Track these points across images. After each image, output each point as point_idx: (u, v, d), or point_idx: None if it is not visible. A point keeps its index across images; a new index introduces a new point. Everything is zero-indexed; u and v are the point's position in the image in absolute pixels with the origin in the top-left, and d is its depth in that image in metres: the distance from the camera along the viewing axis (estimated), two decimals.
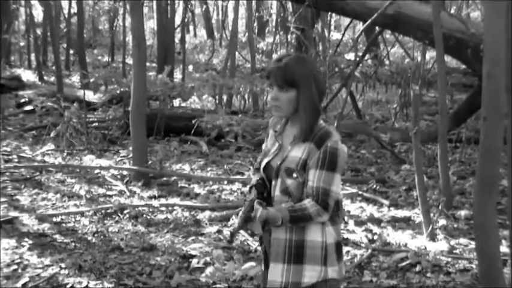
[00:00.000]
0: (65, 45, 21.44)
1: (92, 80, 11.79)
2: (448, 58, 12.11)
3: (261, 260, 2.90)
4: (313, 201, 2.57)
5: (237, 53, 15.98)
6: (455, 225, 6.02)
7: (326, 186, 2.57)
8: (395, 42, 14.30)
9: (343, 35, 13.38)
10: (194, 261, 5.03)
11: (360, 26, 15.65)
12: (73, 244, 5.49)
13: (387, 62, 15.84)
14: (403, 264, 5.09)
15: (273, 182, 2.71)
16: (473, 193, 3.95)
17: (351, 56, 15.16)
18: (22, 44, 22.41)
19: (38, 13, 23.27)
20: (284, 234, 2.65)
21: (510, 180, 4.10)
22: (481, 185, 3.63)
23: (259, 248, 5.43)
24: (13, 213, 6.22)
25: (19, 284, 4.53)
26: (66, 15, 21.60)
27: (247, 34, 18.48)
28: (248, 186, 2.90)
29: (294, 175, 2.63)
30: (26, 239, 5.53)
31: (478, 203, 3.67)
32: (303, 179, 2.62)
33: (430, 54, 14.80)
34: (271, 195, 2.71)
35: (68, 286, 4.56)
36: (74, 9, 21.45)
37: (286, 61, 2.63)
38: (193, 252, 5.26)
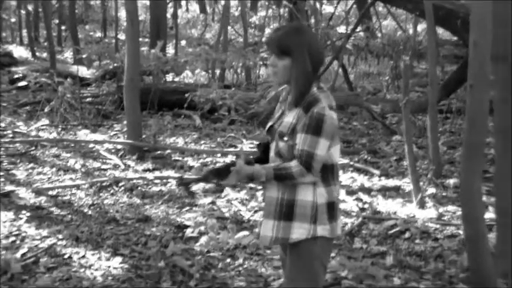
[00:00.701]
0: (56, 21, 21.35)
1: (85, 56, 11.81)
2: (440, 30, 12.19)
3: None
4: (297, 162, 2.73)
5: (229, 27, 15.98)
6: (444, 194, 6.15)
7: (310, 150, 2.71)
8: (388, 14, 14.35)
9: (336, 8, 13.43)
10: (188, 230, 5.15)
11: None
12: (69, 216, 5.60)
13: (379, 35, 15.86)
14: (393, 231, 5.22)
15: (271, 145, 2.91)
16: (460, 160, 4.06)
17: (343, 29, 15.17)
18: (13, 20, 22.28)
19: None
20: (276, 193, 2.82)
21: (496, 148, 4.22)
22: (467, 152, 3.74)
23: (252, 218, 5.56)
24: (10, 187, 6.32)
25: (18, 255, 4.64)
26: None
27: (239, 8, 18.43)
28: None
29: (285, 138, 2.80)
30: (24, 212, 5.63)
31: (465, 170, 3.78)
32: (293, 142, 2.78)
33: (422, 26, 14.83)
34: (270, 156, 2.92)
35: (66, 256, 4.67)
36: None
37: (283, 31, 2.83)
38: (187, 223, 5.38)
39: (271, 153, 2.89)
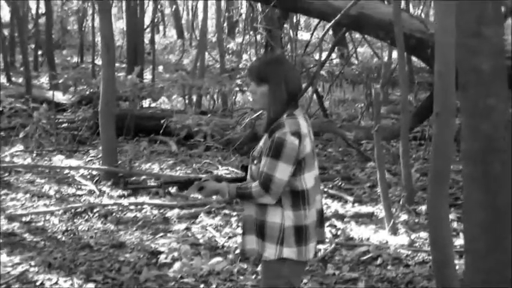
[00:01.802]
0: (33, 46, 21.28)
1: (61, 81, 11.80)
2: (415, 58, 12.36)
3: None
4: (257, 183, 2.93)
5: (206, 53, 16.07)
6: (416, 220, 6.22)
7: (269, 172, 2.90)
8: (363, 41, 14.53)
9: (312, 34, 13.57)
10: (162, 256, 5.16)
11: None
12: (43, 243, 5.58)
13: (356, 61, 16.05)
14: (365, 257, 5.27)
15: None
16: (428, 187, 4.14)
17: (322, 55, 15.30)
18: None
19: (5, 13, 23.08)
20: (253, 213, 3.02)
21: (464, 175, 4.29)
22: (434, 179, 3.82)
23: (226, 244, 5.57)
24: None
25: None
26: (34, 16, 21.45)
27: (216, 34, 18.56)
28: None
29: (255, 162, 3.02)
30: None
31: (432, 196, 3.85)
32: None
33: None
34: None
35: (38, 283, 4.66)
36: (42, 10, 21.29)
37: (263, 60, 3.17)
38: (161, 249, 5.38)
39: (247, 176, 3.08)
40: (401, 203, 6.42)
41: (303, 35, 22.39)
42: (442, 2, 3.74)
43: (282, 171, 2.88)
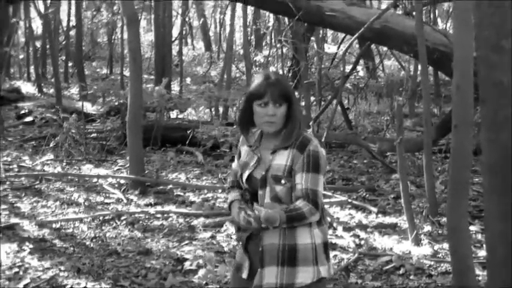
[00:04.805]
0: (63, 58, 21.70)
1: (90, 92, 12.05)
2: (439, 71, 12.38)
3: (239, 267, 3.02)
4: (304, 202, 2.77)
5: (233, 66, 16.23)
6: (439, 231, 6.26)
7: (314, 187, 2.79)
8: (389, 54, 14.60)
9: (339, 47, 13.66)
10: (187, 263, 5.27)
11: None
12: (72, 249, 5.73)
13: (382, 74, 16.10)
14: (388, 267, 5.33)
15: (260, 192, 2.88)
16: (447, 198, 4.20)
17: (347, 68, 15.38)
18: (21, 56, 22.67)
19: (38, 26, 23.56)
20: (277, 240, 2.83)
21: (484, 187, 4.34)
22: (453, 190, 3.88)
23: None
24: (14, 220, 6.47)
25: (21, 285, 4.78)
26: (65, 28, 21.89)
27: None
28: (228, 203, 3.08)
29: (282, 181, 2.83)
30: (27, 244, 5.77)
31: (451, 207, 3.91)
32: (291, 184, 2.83)
33: None
34: (260, 204, 2.87)
35: (67, 287, 4.79)
36: (73, 22, 21.72)
37: (276, 79, 2.88)
38: (187, 256, 5.50)
39: (266, 200, 2.86)
40: (424, 214, 6.47)
41: (330, 48, 22.50)
42: (460, 16, 3.82)
43: (322, 185, 2.82)
